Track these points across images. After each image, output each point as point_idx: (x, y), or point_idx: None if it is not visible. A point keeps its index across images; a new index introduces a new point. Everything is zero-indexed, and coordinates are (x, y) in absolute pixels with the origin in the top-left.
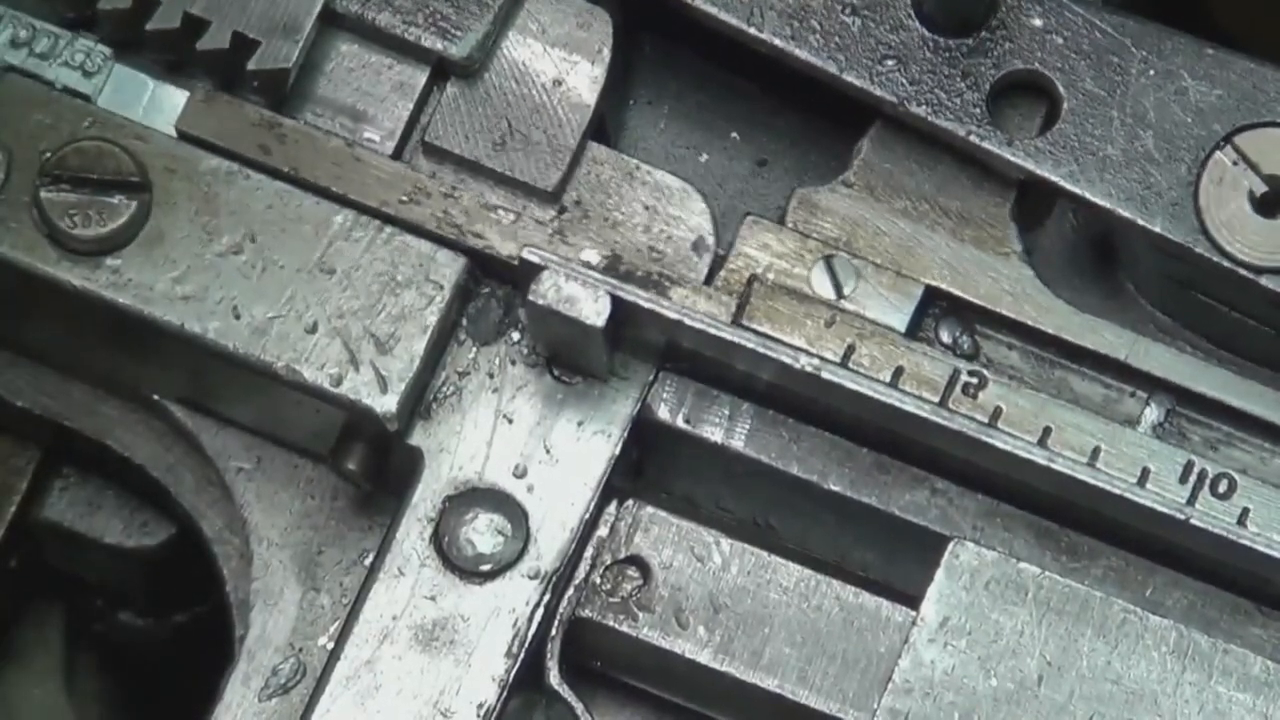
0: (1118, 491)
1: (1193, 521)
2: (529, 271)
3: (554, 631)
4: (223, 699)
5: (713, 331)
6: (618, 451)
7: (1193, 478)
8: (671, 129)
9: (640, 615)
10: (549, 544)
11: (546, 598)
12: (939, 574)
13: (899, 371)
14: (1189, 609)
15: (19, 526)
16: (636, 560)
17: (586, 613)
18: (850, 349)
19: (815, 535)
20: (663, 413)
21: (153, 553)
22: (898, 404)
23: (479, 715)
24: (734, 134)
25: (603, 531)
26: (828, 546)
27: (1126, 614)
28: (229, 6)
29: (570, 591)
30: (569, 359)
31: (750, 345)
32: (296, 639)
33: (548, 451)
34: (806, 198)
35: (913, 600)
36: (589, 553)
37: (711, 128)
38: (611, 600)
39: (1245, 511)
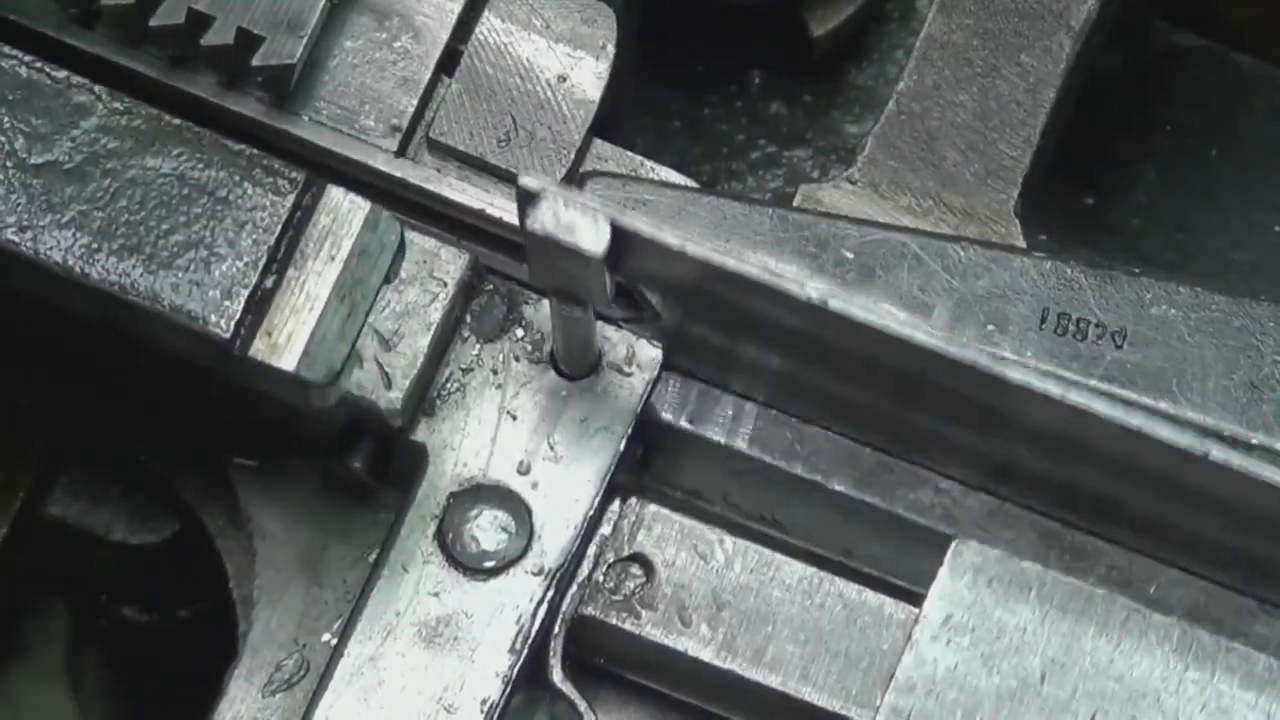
0: (1135, 424)
1: (1212, 456)
2: (526, 199)
3: (557, 629)
4: (226, 695)
5: (716, 261)
6: (622, 448)
7: None
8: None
9: (643, 613)
10: (553, 540)
11: (550, 594)
12: (942, 571)
13: None
14: (1193, 607)
15: (24, 523)
16: (640, 558)
17: (590, 610)
18: None
19: (821, 532)
20: (666, 414)
21: (156, 549)
22: (908, 335)
23: (482, 711)
24: (740, 135)
25: (606, 529)
26: (833, 542)
27: (1129, 612)
28: (233, 2)
29: (574, 589)
30: (569, 291)
31: (754, 274)
32: (300, 635)
33: (551, 448)
34: (811, 194)
35: (915, 598)
36: (592, 550)
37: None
38: (615, 598)
39: None
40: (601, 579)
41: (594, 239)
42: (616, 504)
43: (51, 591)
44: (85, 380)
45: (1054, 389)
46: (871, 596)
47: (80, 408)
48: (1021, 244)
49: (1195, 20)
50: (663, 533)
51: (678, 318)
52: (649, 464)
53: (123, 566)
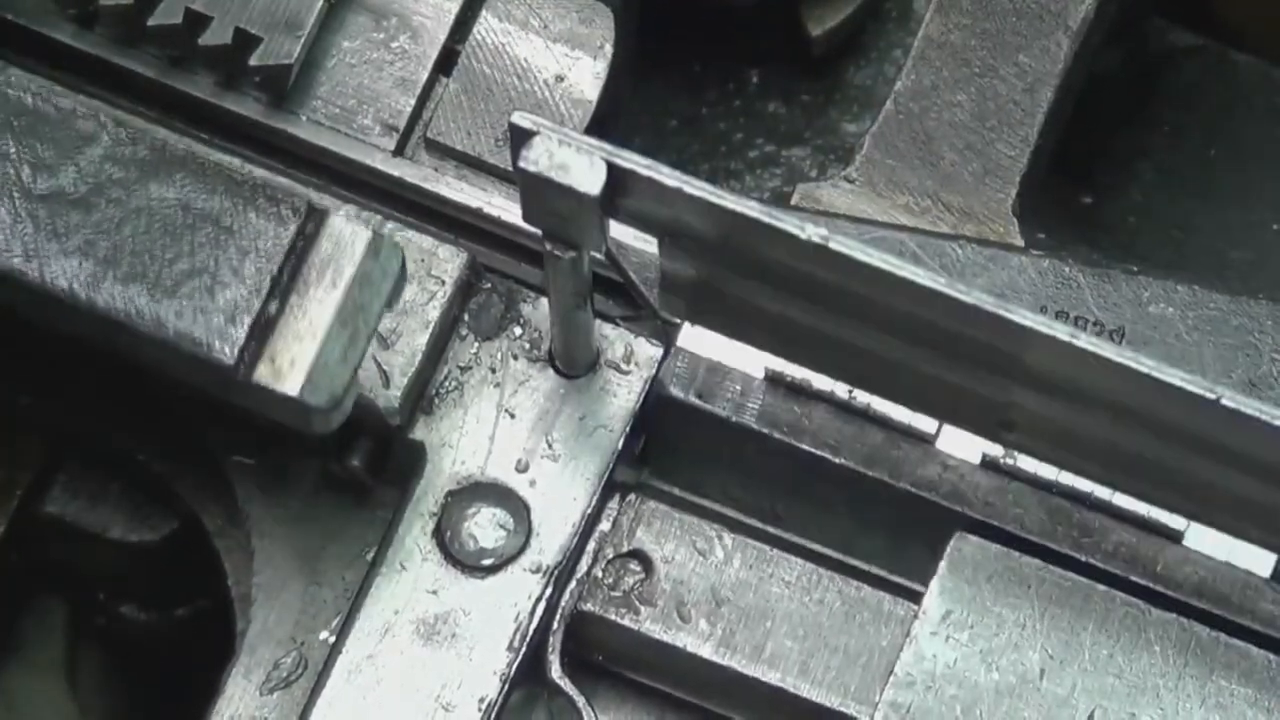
0: (1144, 370)
1: (1224, 402)
2: (520, 138)
3: (556, 625)
4: (224, 692)
5: (714, 200)
6: (620, 446)
7: None
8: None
9: (642, 609)
10: (551, 538)
11: (548, 592)
12: (941, 567)
13: None
14: (1200, 585)
15: (22, 521)
16: (638, 554)
17: (588, 606)
18: None
19: (822, 522)
20: (675, 389)
21: (155, 547)
22: (911, 277)
23: (480, 709)
24: (738, 134)
25: (605, 526)
26: (834, 534)
27: (1128, 608)
28: (231, 2)
29: (572, 585)
30: (562, 233)
31: (754, 214)
32: (298, 633)
33: (549, 446)
34: (809, 193)
35: (915, 594)
36: (591, 546)
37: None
38: (613, 594)
39: None
40: (600, 575)
41: (589, 178)
42: (616, 500)
43: (50, 589)
44: (84, 379)
45: (1061, 332)
46: (870, 592)
47: (79, 406)
48: (1020, 243)
49: (1193, 19)
50: (662, 529)
51: (676, 263)
52: (649, 458)
53: (121, 565)
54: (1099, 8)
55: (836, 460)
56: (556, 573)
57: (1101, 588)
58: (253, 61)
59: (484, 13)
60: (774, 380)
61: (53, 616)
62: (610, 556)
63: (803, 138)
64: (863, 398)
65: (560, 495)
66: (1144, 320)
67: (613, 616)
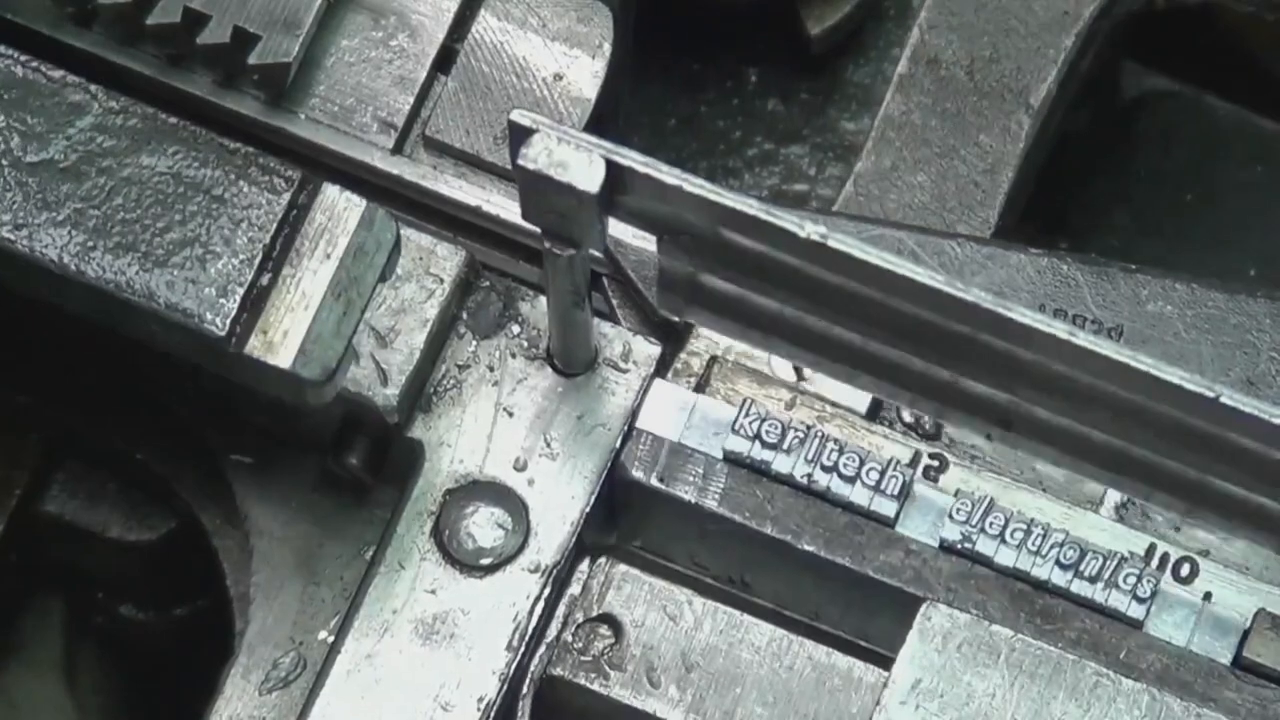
0: (1143, 368)
1: (1223, 400)
2: (519, 135)
3: (525, 690)
4: (223, 692)
5: (713, 198)
6: (618, 445)
7: (1155, 560)
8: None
9: (612, 674)
10: (549, 537)
11: (547, 591)
12: (911, 635)
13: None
14: (1163, 671)
15: (20, 520)
16: (609, 618)
17: (558, 671)
18: (810, 430)
19: (790, 593)
20: (636, 472)
21: (153, 546)
22: (909, 275)
23: (479, 709)
24: (736, 133)
25: (575, 589)
26: (802, 603)
27: (1099, 677)
28: (229, 1)
29: (541, 650)
30: (562, 231)
31: (753, 212)
32: (296, 632)
33: (548, 445)
34: None
35: (885, 661)
36: (561, 610)
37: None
38: (583, 659)
39: (1208, 595)
40: (570, 639)
41: (588, 175)
42: (586, 564)
43: (48, 588)
44: (84, 378)
45: (1060, 330)
46: (841, 659)
47: (79, 406)
48: None
49: (1168, 64)
50: (632, 593)
51: (674, 261)
52: (618, 523)
53: (119, 564)
54: (1061, 85)
55: (799, 546)
56: (555, 572)
57: (1072, 657)
58: (251, 60)
59: (482, 11)
60: (735, 462)
61: (51, 616)
62: (580, 620)
63: (801, 136)
64: (823, 480)
65: (559, 494)
66: (1142, 318)
67: (582, 681)
